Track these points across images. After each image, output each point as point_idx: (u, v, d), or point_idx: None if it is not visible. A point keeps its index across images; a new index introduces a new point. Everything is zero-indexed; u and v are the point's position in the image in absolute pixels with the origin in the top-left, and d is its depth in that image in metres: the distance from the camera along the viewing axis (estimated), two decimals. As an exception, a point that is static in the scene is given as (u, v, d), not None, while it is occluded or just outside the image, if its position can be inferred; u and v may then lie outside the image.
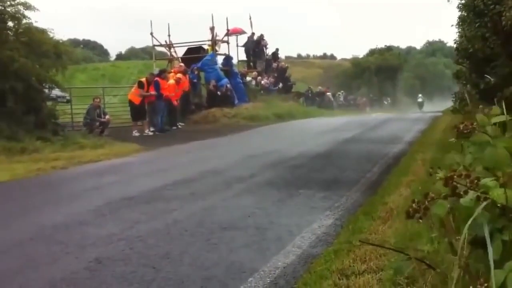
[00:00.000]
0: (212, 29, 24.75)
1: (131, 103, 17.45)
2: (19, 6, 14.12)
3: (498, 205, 1.73)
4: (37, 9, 14.33)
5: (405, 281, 3.16)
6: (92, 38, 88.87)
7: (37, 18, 14.92)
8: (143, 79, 17.68)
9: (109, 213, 6.19)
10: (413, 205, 1.86)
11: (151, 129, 17.49)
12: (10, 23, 14.48)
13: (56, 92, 17.24)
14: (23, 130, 13.28)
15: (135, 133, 16.79)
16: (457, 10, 10.85)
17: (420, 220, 1.93)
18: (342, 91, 44.91)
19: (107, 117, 17.28)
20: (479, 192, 1.74)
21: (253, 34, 28.89)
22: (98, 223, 5.78)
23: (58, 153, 12.14)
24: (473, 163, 2.31)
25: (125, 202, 6.74)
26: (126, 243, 4.91)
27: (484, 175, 2.02)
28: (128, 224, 5.62)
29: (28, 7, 14.17)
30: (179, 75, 19.39)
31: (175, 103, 18.74)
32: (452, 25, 12.35)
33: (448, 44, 77.82)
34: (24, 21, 14.34)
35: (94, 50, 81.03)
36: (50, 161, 11.10)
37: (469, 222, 1.69)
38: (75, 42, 65.94)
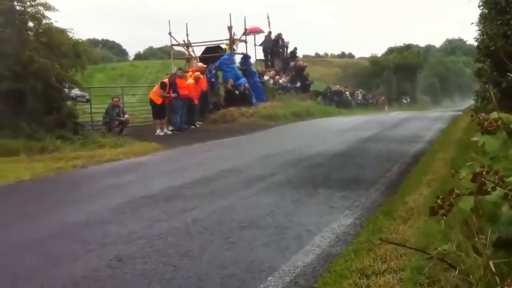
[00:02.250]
0: (230, 28, 24.76)
1: (152, 102, 17.50)
2: (39, 7, 14.30)
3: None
4: (57, 9, 14.51)
5: (426, 281, 3.13)
6: (110, 38, 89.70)
7: (56, 18, 15.09)
8: (166, 80, 17.75)
9: (129, 212, 6.24)
10: (438, 201, 1.83)
11: (170, 128, 17.57)
12: (31, 24, 14.68)
13: (75, 91, 17.43)
14: (43, 129, 13.44)
15: (159, 132, 16.86)
16: (478, 8, 10.74)
17: (444, 217, 1.90)
18: (360, 90, 44.61)
19: (126, 116, 17.39)
20: (507, 189, 1.71)
21: (270, 33, 28.86)
22: (118, 221, 5.83)
23: (78, 152, 12.25)
24: (494, 161, 2.29)
25: (145, 201, 6.78)
26: (146, 241, 4.95)
27: (505, 174, 2.00)
28: (148, 222, 5.66)
29: (48, 7, 14.34)
30: (197, 73, 19.42)
31: (196, 102, 18.82)
32: (472, 23, 12.22)
33: (468, 42, 77.08)
34: (44, 21, 14.52)
35: (113, 49, 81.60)
36: (70, 160, 11.21)
37: (498, 223, 1.66)
38: (94, 42, 66.45)
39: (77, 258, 4.61)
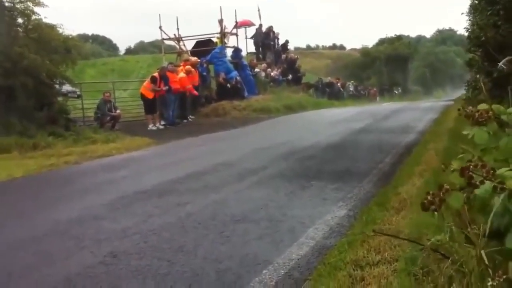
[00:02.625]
0: (220, 21, 24.68)
1: (144, 97, 17.43)
2: (28, 3, 14.21)
3: (515, 195, 1.72)
4: (46, 5, 14.40)
5: (420, 271, 3.15)
6: (101, 33, 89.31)
7: (46, 14, 14.96)
8: (156, 74, 17.66)
9: (123, 207, 6.23)
10: (428, 197, 1.85)
11: (162, 122, 17.53)
12: (20, 20, 14.58)
13: (66, 87, 17.34)
14: (35, 125, 13.39)
15: (152, 127, 16.82)
16: (469, -2, 10.77)
17: (435, 213, 1.92)
18: (352, 81, 44.71)
19: (118, 111, 17.34)
20: (496, 182, 1.73)
21: (261, 25, 28.82)
22: (112, 217, 5.81)
23: (70, 148, 12.21)
24: (485, 153, 2.30)
25: (138, 196, 6.78)
26: (140, 237, 4.94)
27: (495, 165, 2.01)
28: (141, 218, 5.65)
29: (37, 3, 14.23)
30: (188, 67, 19.35)
31: (195, 93, 18.95)
32: (462, 13, 12.26)
33: (458, 32, 77.30)
34: (33, 17, 14.43)
35: (103, 44, 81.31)
36: (63, 156, 11.18)
37: (491, 214, 1.68)
38: (84, 37, 66.07)
39: (71, 255, 4.60)
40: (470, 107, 2.53)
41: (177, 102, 18.08)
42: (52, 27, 14.80)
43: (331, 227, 4.99)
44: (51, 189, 8.29)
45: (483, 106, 2.36)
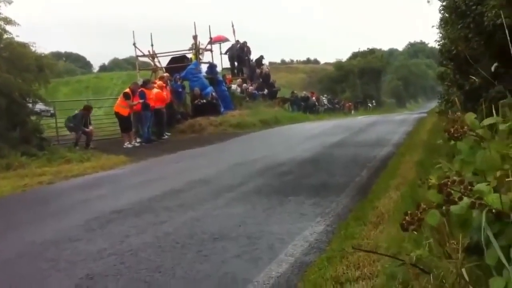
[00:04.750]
0: (195, 37, 24.71)
1: (118, 115, 17.18)
2: (-1, 22, 14.01)
3: (493, 210, 1.72)
4: (18, 24, 14.25)
5: (400, 287, 3.14)
6: (74, 51, 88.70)
7: (18, 33, 14.74)
8: (128, 90, 17.49)
9: (99, 228, 6.13)
10: (407, 217, 1.84)
11: (138, 140, 17.35)
12: (-9, 39, 14.36)
13: (40, 106, 17.04)
14: (7, 146, 13.12)
15: (127, 145, 16.57)
16: (439, 12, 10.95)
17: (415, 232, 1.92)
18: (325, 95, 45.11)
19: (90, 128, 17.00)
20: (474, 197, 1.73)
21: (237, 42, 28.91)
22: (88, 238, 5.71)
23: (44, 168, 12.01)
24: (463, 167, 2.30)
25: (115, 216, 6.68)
26: (117, 257, 4.86)
27: (473, 179, 2.02)
28: (118, 238, 5.56)
29: (8, 22, 14.08)
30: (159, 82, 19.23)
31: (163, 110, 18.69)
32: (433, 26, 12.46)
33: (429, 45, 78.79)
34: (5, 36, 14.23)
35: (77, 62, 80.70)
36: (36, 176, 11.00)
37: (469, 229, 1.68)
38: (57, 55, 65.67)
39: (45, 277, 4.51)
40: (453, 120, 2.54)
41: (153, 119, 17.94)
42: (24, 46, 14.62)
43: (310, 243, 4.97)
44: (25, 210, 8.13)
45: (470, 115, 2.37)
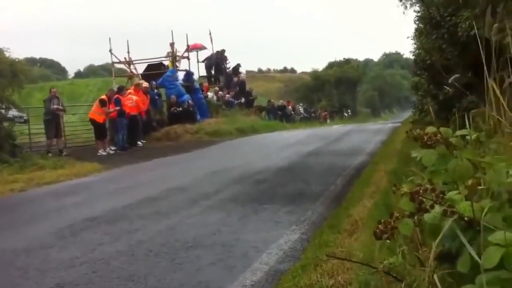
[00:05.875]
0: (172, 45, 24.64)
1: (93, 122, 16.98)
2: (-27, 27, 13.80)
3: (465, 218, 1.74)
4: (-8, 29, 14.03)
5: (373, 294, 3.15)
6: (49, 56, 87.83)
7: (-8, 38, 14.58)
8: (104, 97, 17.31)
9: (71, 235, 6.04)
10: (380, 226, 1.85)
11: (112, 147, 17.16)
12: (-36, 44, 14.12)
13: (13, 112, 16.76)
14: (-21, 152, 12.88)
15: (102, 152, 16.36)
16: (414, 23, 11.10)
17: (388, 241, 1.93)
18: (301, 104, 45.39)
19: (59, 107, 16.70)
20: (446, 205, 1.74)
21: (217, 52, 28.93)
22: (59, 246, 5.62)
23: (16, 175, 11.80)
24: (433, 175, 2.33)
25: (88, 223, 6.59)
26: (89, 266, 4.79)
27: (445, 188, 2.04)
28: (90, 246, 5.49)
29: (-18, 27, 13.86)
30: (133, 88, 19.16)
31: (138, 117, 18.54)
32: (408, 37, 12.61)
33: (404, 56, 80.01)
34: (-22, 41, 14.02)
35: (52, 68, 79.88)
36: (8, 183, 10.81)
37: (439, 237, 1.69)
38: (31, 61, 64.86)
39: (15, 286, 4.42)
40: (418, 130, 2.57)
41: (128, 126, 17.76)
42: (-2, 51, 14.40)
43: (284, 251, 4.97)
44: (-5, 217, 7.97)
45: (431, 129, 2.40)
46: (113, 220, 6.70)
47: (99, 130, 16.90)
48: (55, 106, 16.20)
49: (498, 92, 2.29)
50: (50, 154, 15.35)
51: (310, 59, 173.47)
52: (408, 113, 28.55)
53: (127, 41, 24.83)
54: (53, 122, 16.11)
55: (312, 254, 4.65)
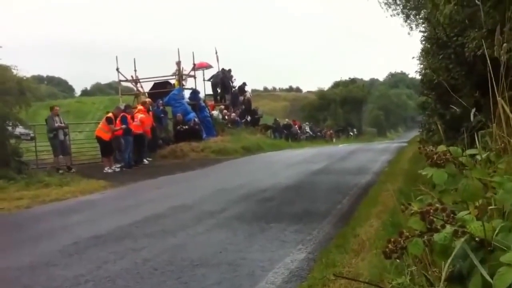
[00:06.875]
0: (178, 63, 24.79)
1: (100, 139, 17.05)
2: (-19, 44, 13.91)
3: (476, 238, 1.72)
4: (0, 46, 14.15)
5: (382, 315, 3.11)
6: (56, 74, 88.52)
7: (0, 55, 14.60)
8: (111, 115, 17.38)
9: (77, 253, 6.01)
10: (389, 245, 1.83)
11: (118, 165, 17.18)
12: (-28, 61, 14.23)
13: (20, 129, 16.86)
14: (-15, 169, 12.92)
15: (108, 170, 16.39)
16: (420, 43, 11.16)
17: (397, 260, 1.91)
18: (307, 123, 45.44)
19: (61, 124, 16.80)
20: (456, 226, 1.73)
21: (223, 70, 29.07)
22: (65, 263, 5.60)
23: (22, 192, 11.81)
24: (443, 195, 2.31)
25: (93, 241, 6.57)
26: (94, 284, 4.76)
27: (455, 208, 2.02)
28: (96, 264, 5.46)
29: (-11, 45, 13.96)
30: (141, 107, 19.23)
31: (144, 135, 18.58)
32: (413, 57, 12.67)
33: (410, 76, 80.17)
34: (-14, 59, 14.12)
35: (59, 86, 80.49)
36: (14, 200, 10.81)
37: (451, 257, 1.67)
38: (39, 79, 65.42)
39: (20, 305, 4.39)
40: (431, 147, 2.56)
41: (134, 144, 17.80)
42: (5, 68, 14.51)
43: (291, 270, 4.93)
44: (1, 234, 7.97)
45: (441, 148, 2.39)
46: (118, 238, 6.68)
47: (105, 147, 16.96)
48: (58, 124, 16.30)
49: (508, 110, 2.28)
50: (61, 171, 15.41)
51: (316, 79, 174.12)
52: (413, 132, 28.56)
53: (134, 59, 25.04)
54: (57, 139, 16.19)
55: (319, 273, 4.60)
